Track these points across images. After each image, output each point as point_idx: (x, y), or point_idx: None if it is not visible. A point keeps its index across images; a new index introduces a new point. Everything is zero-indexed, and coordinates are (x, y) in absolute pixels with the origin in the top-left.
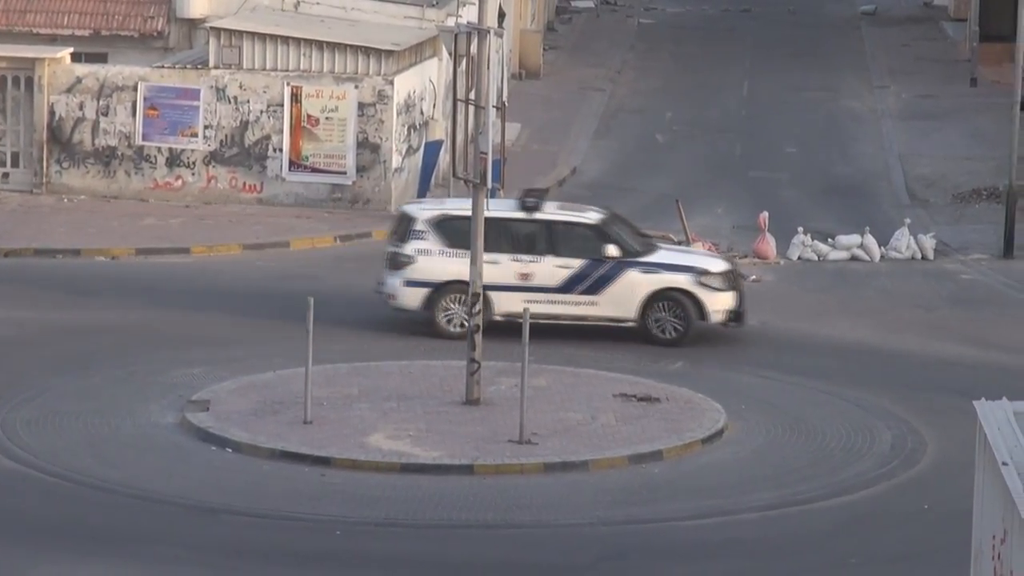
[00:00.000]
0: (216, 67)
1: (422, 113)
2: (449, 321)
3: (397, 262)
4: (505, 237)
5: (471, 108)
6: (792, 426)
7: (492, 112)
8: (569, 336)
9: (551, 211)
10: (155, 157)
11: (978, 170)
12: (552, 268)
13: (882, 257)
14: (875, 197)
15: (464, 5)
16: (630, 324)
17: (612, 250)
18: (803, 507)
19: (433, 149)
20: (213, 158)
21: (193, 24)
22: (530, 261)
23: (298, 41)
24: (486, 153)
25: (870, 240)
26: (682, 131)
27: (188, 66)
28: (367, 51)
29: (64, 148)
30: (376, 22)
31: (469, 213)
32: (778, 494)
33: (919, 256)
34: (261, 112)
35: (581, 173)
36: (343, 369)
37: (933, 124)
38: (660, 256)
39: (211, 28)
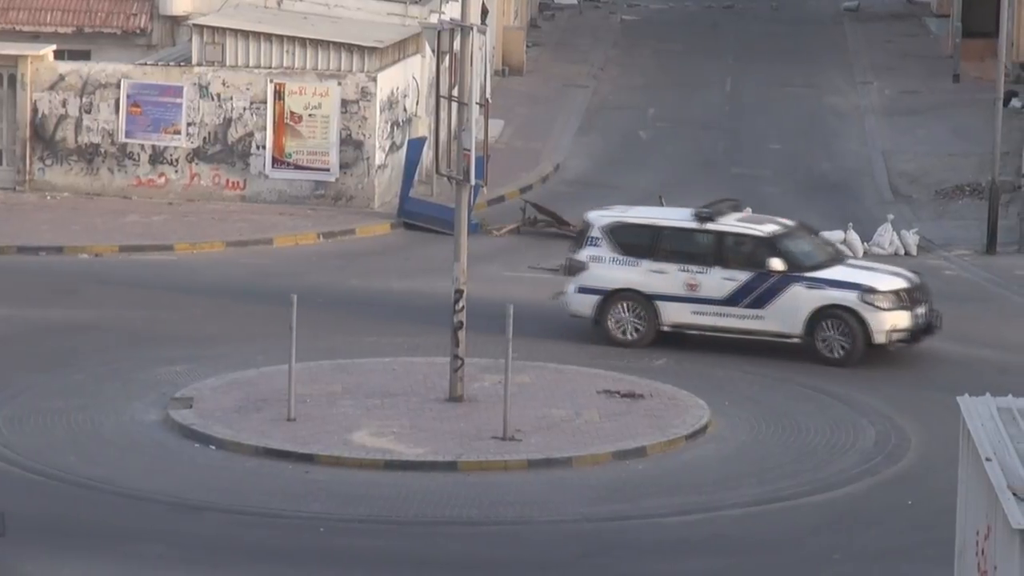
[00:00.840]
0: (199, 64)
1: (405, 110)
2: (622, 330)
3: (572, 268)
4: (675, 247)
5: (454, 105)
6: (776, 422)
7: (475, 109)
8: (552, 333)
9: (727, 222)
10: (138, 154)
11: (961, 166)
12: (719, 280)
13: (865, 253)
14: (858, 193)
15: (447, 2)
16: (795, 341)
17: (776, 263)
18: (786, 503)
19: (416, 146)
20: (196, 155)
21: (176, 21)
22: (698, 272)
23: (281, 38)
24: (469, 150)
25: (853, 236)
26: (665, 128)
27: (171, 63)
28: (350, 48)
29: (47, 145)
30: (359, 19)
31: (645, 221)
32: (761, 490)
33: (902, 252)
34: (244, 109)
35: (564, 170)
36: (326, 366)
37: (916, 120)
38: (830, 272)
39: (194, 25)
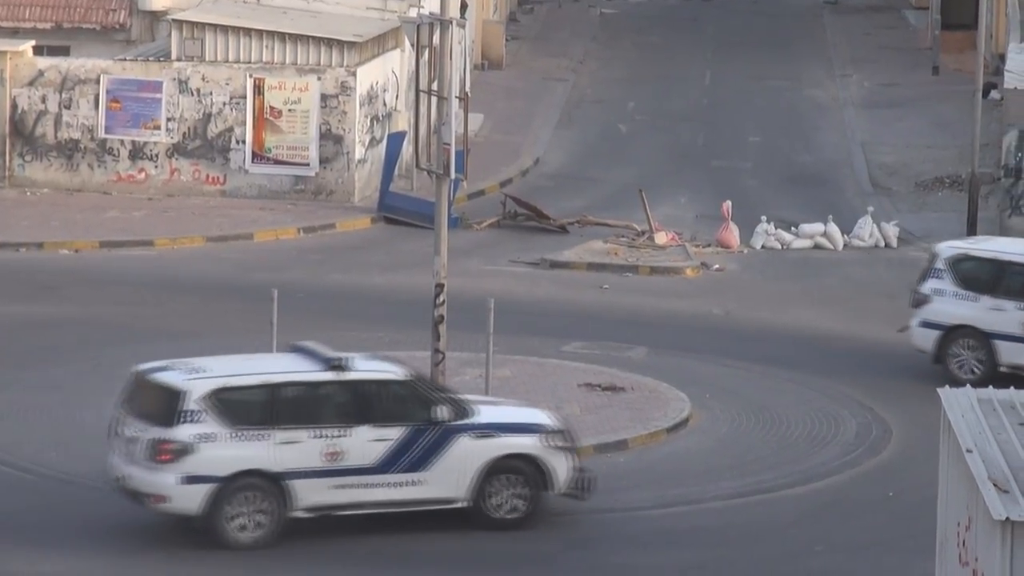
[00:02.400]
0: (178, 59)
1: (385, 104)
2: (960, 367)
3: (915, 300)
4: (1017, 283)
5: (434, 99)
6: (756, 415)
7: (455, 103)
8: (533, 327)
9: None
10: (118, 150)
11: (940, 158)
12: None
13: (845, 245)
14: (838, 185)
15: None
16: None
17: None
18: (767, 495)
19: (396, 140)
20: (176, 150)
21: (155, 16)
22: None
23: (260, 33)
24: (449, 144)
25: (833, 228)
26: (645, 121)
27: (150, 59)
28: (329, 43)
29: (27, 141)
30: (338, 13)
31: (989, 255)
32: (742, 483)
33: (882, 244)
34: (224, 104)
35: (544, 163)
36: None
37: (895, 112)
38: None
39: (173, 20)
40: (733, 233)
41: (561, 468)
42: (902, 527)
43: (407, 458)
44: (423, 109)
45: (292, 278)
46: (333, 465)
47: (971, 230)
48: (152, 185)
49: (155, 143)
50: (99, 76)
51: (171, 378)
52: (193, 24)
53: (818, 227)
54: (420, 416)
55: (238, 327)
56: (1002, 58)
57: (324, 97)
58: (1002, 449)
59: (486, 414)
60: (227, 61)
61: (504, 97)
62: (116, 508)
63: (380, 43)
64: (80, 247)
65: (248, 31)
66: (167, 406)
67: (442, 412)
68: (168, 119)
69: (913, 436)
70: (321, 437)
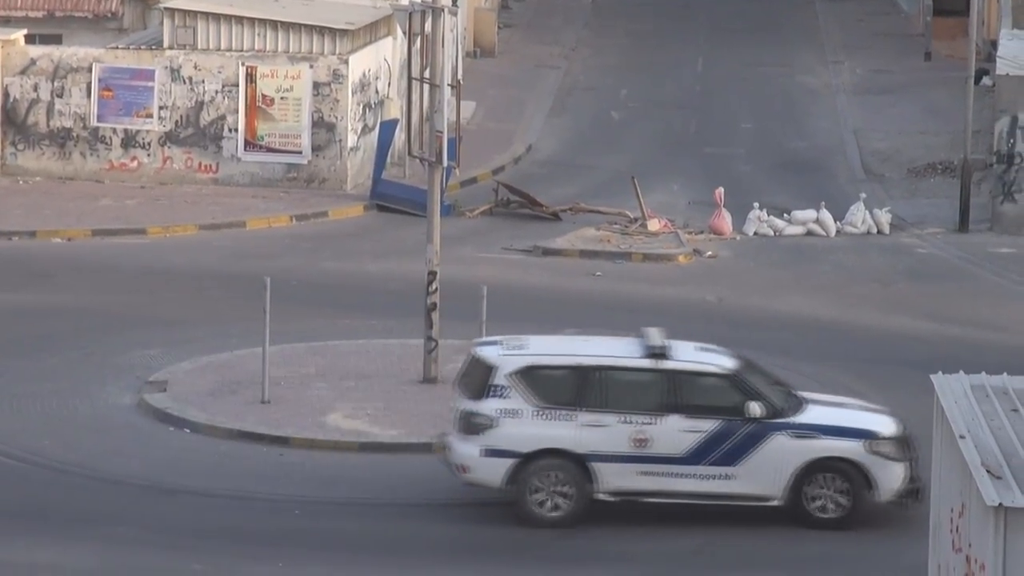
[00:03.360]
0: (171, 47)
1: (377, 92)
2: None
3: None
4: None
5: (426, 87)
6: None
7: (447, 91)
8: (526, 314)
9: None
10: (110, 138)
11: (933, 144)
12: None
13: (838, 232)
14: (830, 172)
15: None
16: None
17: None
18: None
19: (388, 128)
20: (168, 139)
21: (147, 5)
22: None
23: (252, 21)
24: (441, 132)
25: (826, 215)
26: (637, 108)
27: (142, 47)
28: (322, 30)
29: (19, 130)
30: (330, 1)
31: None
32: None
33: (875, 230)
34: (216, 92)
35: (536, 151)
36: (300, 349)
37: (888, 99)
38: None
39: (165, 8)
40: (726, 220)
41: (888, 477)
42: (896, 513)
43: (718, 451)
44: (415, 97)
45: (285, 266)
46: (640, 451)
47: (963, 216)
48: (145, 173)
49: (147, 131)
50: (91, 64)
51: (488, 353)
52: (185, 12)
53: (810, 214)
54: (735, 410)
55: (231, 315)
56: (994, 44)
57: (316, 85)
58: (995, 435)
59: (812, 414)
60: (219, 49)
61: (496, 85)
62: (109, 496)
63: (372, 31)
64: (73, 235)
65: (240, 19)
66: (480, 380)
67: (756, 409)
68: (160, 107)
69: (906, 422)
70: (629, 423)
